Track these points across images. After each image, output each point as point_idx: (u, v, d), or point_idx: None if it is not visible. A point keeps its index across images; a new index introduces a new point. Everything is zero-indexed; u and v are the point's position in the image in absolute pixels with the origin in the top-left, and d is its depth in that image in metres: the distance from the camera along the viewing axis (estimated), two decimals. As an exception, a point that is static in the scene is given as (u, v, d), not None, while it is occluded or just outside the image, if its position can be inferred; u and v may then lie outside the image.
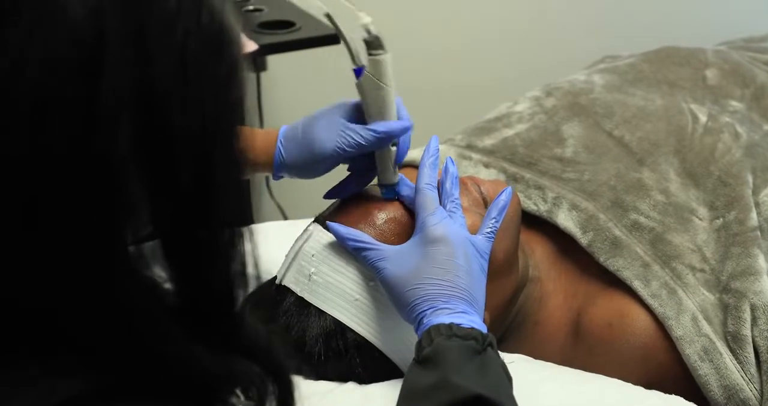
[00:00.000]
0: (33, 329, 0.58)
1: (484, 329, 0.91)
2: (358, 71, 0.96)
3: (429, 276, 0.93)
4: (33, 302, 0.58)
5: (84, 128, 0.55)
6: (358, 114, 1.02)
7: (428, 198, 0.99)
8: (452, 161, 1.05)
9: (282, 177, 1.07)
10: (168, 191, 0.59)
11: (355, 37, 0.92)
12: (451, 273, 0.93)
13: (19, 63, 0.53)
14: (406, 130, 1.01)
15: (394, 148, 1.02)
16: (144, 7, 0.56)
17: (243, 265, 0.64)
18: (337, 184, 1.07)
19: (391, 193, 1.04)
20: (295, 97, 1.93)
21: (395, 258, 0.96)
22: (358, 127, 1.00)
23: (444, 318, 0.91)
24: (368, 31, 0.91)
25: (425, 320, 0.92)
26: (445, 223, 0.96)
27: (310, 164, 1.03)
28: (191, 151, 0.59)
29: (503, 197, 1.04)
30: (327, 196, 1.08)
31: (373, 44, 0.93)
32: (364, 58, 0.96)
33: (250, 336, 0.66)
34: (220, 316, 0.64)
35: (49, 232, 0.56)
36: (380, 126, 1.00)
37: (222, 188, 0.62)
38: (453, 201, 1.01)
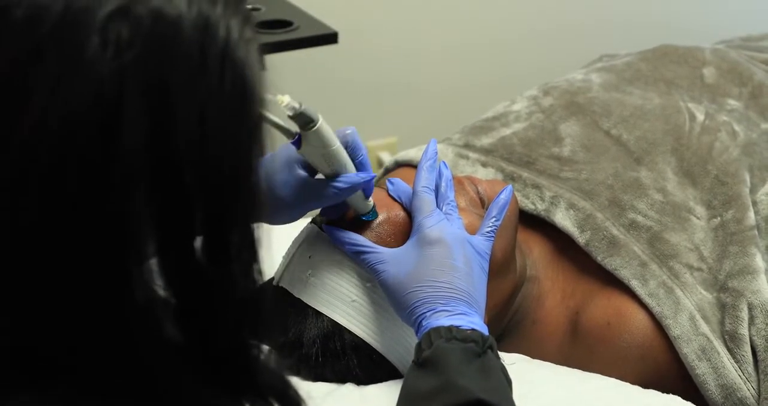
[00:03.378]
0: (37, 365, 0.59)
1: (484, 330, 0.91)
2: (296, 142, 0.92)
3: (427, 278, 0.93)
4: (43, 346, 0.58)
5: (100, 185, 0.55)
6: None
7: (425, 201, 0.99)
8: (446, 165, 1.05)
9: None
10: (181, 247, 0.59)
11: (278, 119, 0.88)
12: (449, 275, 0.93)
13: (40, 120, 0.54)
14: (369, 181, 0.98)
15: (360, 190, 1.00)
16: (166, 66, 0.56)
17: (256, 315, 0.64)
18: (327, 209, 1.04)
19: (369, 217, 1.03)
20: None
21: (393, 261, 0.96)
22: (318, 185, 0.96)
23: (443, 320, 0.91)
24: (292, 109, 0.87)
25: (424, 323, 0.92)
26: (441, 225, 0.97)
27: (281, 217, 0.99)
28: (207, 210, 0.59)
29: (503, 196, 1.04)
30: (321, 215, 1.05)
31: (302, 119, 0.89)
32: (293, 126, 0.91)
33: (266, 378, 0.66)
34: (234, 361, 0.64)
35: (60, 281, 0.56)
36: (342, 182, 0.95)
37: (237, 247, 0.61)
38: (449, 203, 1.01)
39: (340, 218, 1.03)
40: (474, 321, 0.92)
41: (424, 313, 0.92)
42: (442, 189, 1.02)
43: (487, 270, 0.98)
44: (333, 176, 0.95)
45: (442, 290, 0.93)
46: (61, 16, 0.54)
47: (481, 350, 0.88)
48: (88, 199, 0.55)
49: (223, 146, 0.59)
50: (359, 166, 0.97)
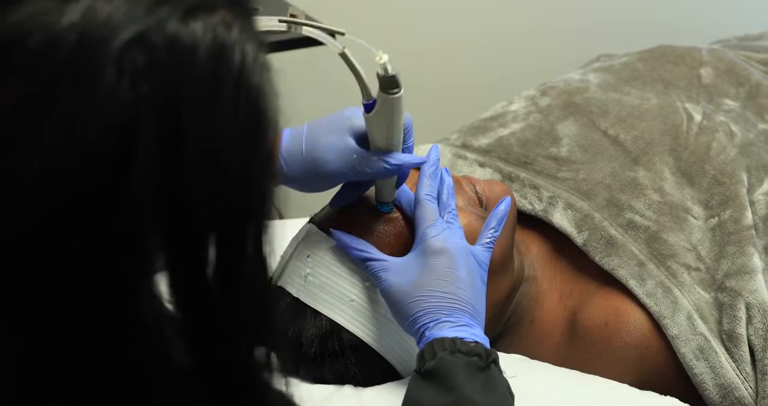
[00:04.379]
0: (42, 388, 0.58)
1: (486, 342, 0.91)
2: (369, 106, 0.92)
3: (431, 288, 0.94)
4: (49, 368, 0.58)
5: (111, 213, 0.54)
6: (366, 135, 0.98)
7: (428, 210, 0.99)
8: (447, 171, 1.05)
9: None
10: (191, 273, 0.59)
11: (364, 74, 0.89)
12: (452, 285, 0.94)
13: (54, 150, 0.53)
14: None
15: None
16: (181, 94, 0.55)
17: (268, 337, 0.64)
18: (338, 192, 1.05)
19: (388, 208, 1.03)
20: (292, 96, 1.92)
21: (397, 269, 0.96)
22: (369, 156, 0.96)
23: (447, 332, 0.91)
24: (385, 70, 0.88)
25: (427, 333, 0.92)
26: (445, 235, 0.97)
27: (313, 183, 0.99)
28: (218, 239, 0.58)
29: (502, 208, 1.04)
30: (332, 203, 1.06)
31: (390, 83, 0.89)
32: (374, 92, 0.92)
33: (276, 402, 0.66)
34: (243, 384, 0.63)
35: (69, 304, 0.56)
36: (394, 158, 0.96)
37: (249, 274, 0.61)
38: (450, 212, 1.01)
39: (351, 203, 1.03)
40: (476, 333, 0.92)
41: (428, 323, 0.92)
42: (444, 197, 1.02)
43: (486, 281, 0.98)
44: (386, 151, 0.95)
45: (445, 301, 0.93)
46: (75, 47, 0.53)
47: (485, 364, 0.88)
48: (98, 226, 0.55)
49: (235, 175, 0.58)
50: (407, 150, 0.98)
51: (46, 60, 0.53)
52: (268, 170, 0.61)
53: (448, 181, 1.03)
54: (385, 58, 0.87)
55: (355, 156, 0.96)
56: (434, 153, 1.05)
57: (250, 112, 0.58)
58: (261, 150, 0.60)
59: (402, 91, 0.90)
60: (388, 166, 0.95)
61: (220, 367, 0.62)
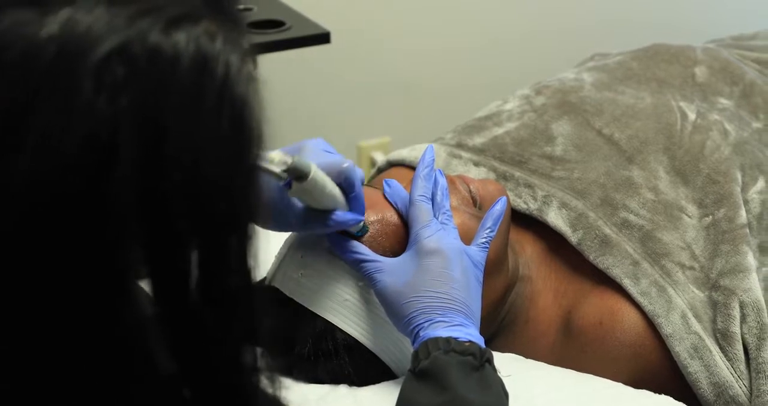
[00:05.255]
0: (24, 396, 0.58)
1: (481, 342, 0.91)
2: (287, 184, 0.90)
3: (425, 289, 0.93)
4: (31, 377, 0.57)
5: (90, 225, 0.54)
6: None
7: (422, 210, 0.99)
8: (441, 173, 1.05)
9: None
10: (174, 284, 0.58)
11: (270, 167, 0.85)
12: (446, 285, 0.93)
13: (32, 164, 0.53)
14: (358, 221, 0.97)
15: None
16: (162, 106, 0.54)
17: (254, 354, 0.63)
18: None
19: (362, 233, 1.01)
20: (284, 97, 1.93)
21: (391, 270, 0.96)
22: (320, 215, 0.95)
23: (441, 332, 0.91)
24: (284, 163, 0.86)
25: (422, 333, 0.92)
26: (439, 235, 0.97)
27: (280, 229, 0.99)
28: (202, 252, 0.58)
29: (498, 208, 1.04)
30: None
31: (296, 172, 0.87)
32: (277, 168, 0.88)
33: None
34: (231, 389, 0.63)
35: (50, 310, 0.56)
36: (333, 220, 0.95)
37: (233, 288, 0.60)
38: (445, 213, 1.01)
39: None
40: (471, 333, 0.92)
41: (422, 323, 0.92)
42: (438, 198, 1.02)
43: (482, 281, 0.98)
44: (326, 211, 0.94)
45: (439, 301, 0.93)
46: (54, 59, 0.53)
47: (479, 364, 0.88)
48: (80, 234, 0.54)
49: (217, 186, 0.57)
50: (352, 201, 0.96)
51: (25, 72, 0.53)
52: (252, 182, 0.60)
53: (442, 182, 1.03)
54: (277, 157, 0.85)
55: (308, 214, 0.95)
56: (429, 154, 1.05)
57: (234, 124, 0.57)
58: (245, 161, 0.59)
59: (311, 173, 0.88)
60: (331, 224, 0.94)
61: (206, 372, 0.61)
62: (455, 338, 0.89)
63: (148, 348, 0.58)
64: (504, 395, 0.90)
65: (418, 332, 0.92)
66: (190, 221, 0.56)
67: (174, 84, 0.55)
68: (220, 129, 0.56)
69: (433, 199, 1.02)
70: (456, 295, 0.93)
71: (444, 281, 0.94)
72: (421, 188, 1.01)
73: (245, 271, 0.61)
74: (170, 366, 0.59)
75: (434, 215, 1.00)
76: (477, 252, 0.98)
